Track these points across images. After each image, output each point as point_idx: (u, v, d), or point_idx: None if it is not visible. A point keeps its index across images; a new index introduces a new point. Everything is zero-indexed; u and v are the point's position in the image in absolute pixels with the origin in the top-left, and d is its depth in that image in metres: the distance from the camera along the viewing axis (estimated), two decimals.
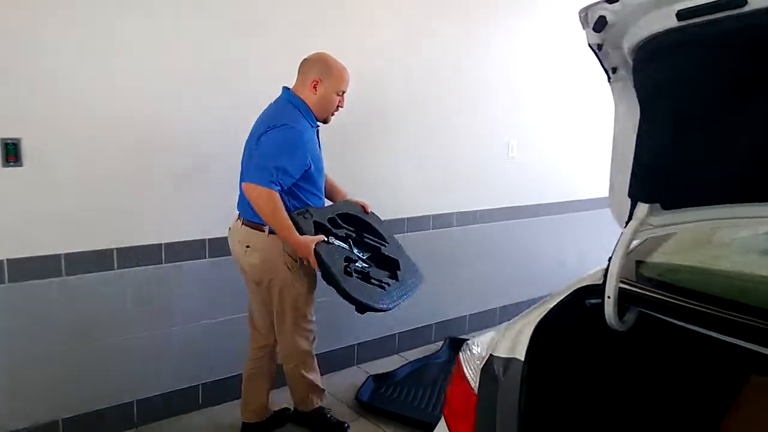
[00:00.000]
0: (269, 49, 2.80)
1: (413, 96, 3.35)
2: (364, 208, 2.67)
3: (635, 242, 1.61)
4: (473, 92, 3.61)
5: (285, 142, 2.26)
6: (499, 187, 3.88)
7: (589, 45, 1.34)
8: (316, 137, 2.46)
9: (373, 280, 2.43)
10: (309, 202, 2.40)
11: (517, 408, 1.25)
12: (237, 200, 2.46)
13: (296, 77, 2.42)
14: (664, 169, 1.38)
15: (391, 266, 2.57)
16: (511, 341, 1.36)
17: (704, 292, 1.38)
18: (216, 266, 2.79)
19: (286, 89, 2.43)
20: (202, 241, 2.76)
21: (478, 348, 1.42)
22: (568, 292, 1.49)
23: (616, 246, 1.44)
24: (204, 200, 2.73)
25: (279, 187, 2.23)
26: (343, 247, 2.45)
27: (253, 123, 2.40)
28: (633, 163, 1.42)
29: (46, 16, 2.28)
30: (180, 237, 2.70)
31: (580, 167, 4.36)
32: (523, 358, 1.31)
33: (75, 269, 2.46)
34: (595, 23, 1.25)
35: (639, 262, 1.57)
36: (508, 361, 1.32)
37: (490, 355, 1.35)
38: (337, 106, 2.43)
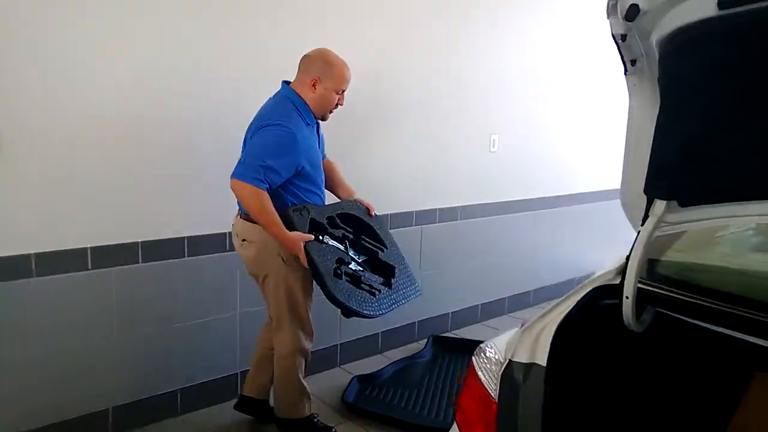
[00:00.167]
0: (272, 43, 2.73)
1: (396, 93, 3.28)
2: (368, 210, 2.59)
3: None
4: (457, 89, 3.57)
5: (274, 141, 2.20)
6: (482, 183, 3.84)
7: (612, 35, 1.28)
8: (315, 134, 2.40)
9: (363, 285, 2.35)
10: (306, 200, 2.34)
11: (541, 415, 1.20)
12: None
13: (296, 73, 2.35)
14: (685, 165, 1.34)
15: (386, 272, 2.49)
16: (531, 345, 1.30)
17: (722, 291, 1.35)
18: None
19: (285, 85, 2.37)
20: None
21: (494, 352, 1.36)
22: (584, 293, 1.44)
23: (633, 245, 1.40)
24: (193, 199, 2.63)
25: (266, 185, 2.18)
26: (336, 248, 2.37)
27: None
28: (650, 159, 1.38)
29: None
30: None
31: (564, 163, 4.38)
32: (544, 363, 1.26)
33: (45, 269, 2.32)
34: (627, 12, 1.19)
35: (652, 261, 1.53)
36: (529, 367, 1.27)
37: (510, 360, 1.28)
38: (337, 104, 2.37)
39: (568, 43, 4.21)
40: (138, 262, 2.53)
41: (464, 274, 3.85)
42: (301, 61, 2.36)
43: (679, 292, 1.38)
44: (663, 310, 1.40)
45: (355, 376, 3.07)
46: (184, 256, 2.65)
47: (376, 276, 2.46)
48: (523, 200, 4.13)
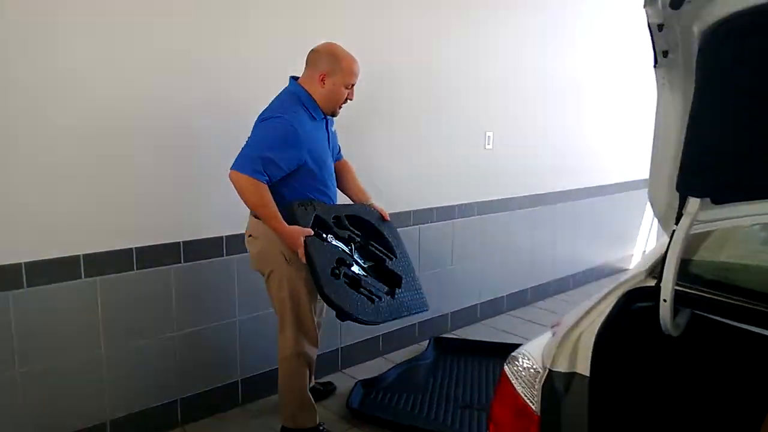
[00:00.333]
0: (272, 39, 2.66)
1: (389, 90, 3.21)
2: (382, 216, 2.52)
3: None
4: (451, 85, 3.51)
5: (274, 134, 2.17)
6: (478, 180, 3.79)
7: (648, 25, 1.23)
8: (323, 130, 2.34)
9: (362, 290, 2.27)
10: (311, 196, 2.28)
11: (587, 425, 1.14)
12: None
13: (304, 68, 2.30)
14: (721, 162, 1.28)
15: (392, 281, 2.40)
16: (569, 354, 1.24)
17: (760, 291, 1.31)
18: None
19: (292, 80, 2.32)
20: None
21: (529, 361, 1.30)
22: (615, 297, 1.38)
23: (669, 245, 1.34)
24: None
25: (266, 177, 2.14)
26: (339, 248, 2.30)
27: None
28: (684, 155, 1.32)
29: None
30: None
31: (560, 159, 4.36)
32: (585, 372, 1.20)
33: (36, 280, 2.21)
34: (672, 0, 1.14)
35: (684, 261, 1.48)
36: (570, 376, 1.21)
37: (549, 369, 1.22)
38: (346, 99, 2.32)
39: (563, 39, 4.18)
40: (133, 269, 2.43)
41: (462, 274, 3.80)
42: (308, 56, 2.31)
43: (717, 293, 1.33)
44: (701, 313, 1.35)
45: (359, 381, 3.00)
46: (181, 262, 2.55)
47: (380, 283, 2.37)
48: (519, 197, 4.09)
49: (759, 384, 1.54)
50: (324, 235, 2.27)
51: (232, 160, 2.17)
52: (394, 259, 2.46)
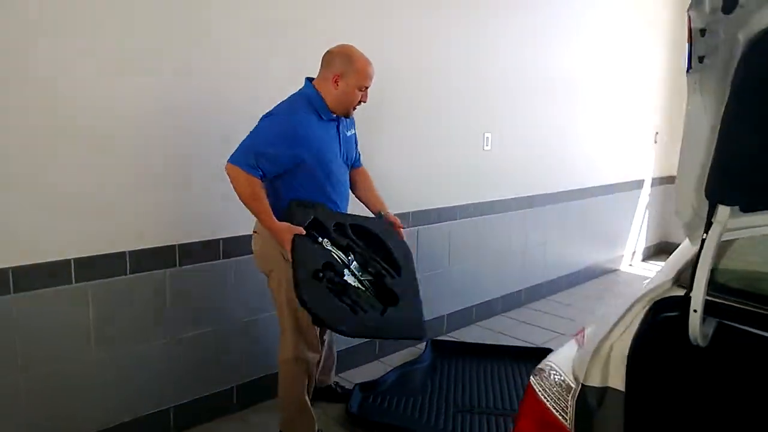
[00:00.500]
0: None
1: (388, 91, 3.12)
2: (394, 226, 2.46)
3: (694, 249, 1.50)
4: (450, 87, 3.46)
5: (272, 130, 2.18)
6: (477, 181, 3.76)
7: (690, 29, 1.19)
8: (333, 132, 2.32)
9: (346, 298, 2.14)
10: (313, 198, 2.24)
11: None
12: None
13: (319, 69, 2.28)
14: (755, 169, 1.25)
15: (388, 300, 2.24)
16: (602, 368, 1.20)
17: None
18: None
19: (307, 81, 2.31)
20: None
21: (558, 374, 1.25)
22: (641, 307, 1.35)
23: (700, 254, 1.31)
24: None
25: (259, 172, 2.14)
26: (332, 253, 2.21)
27: None
28: (715, 162, 1.29)
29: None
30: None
31: (558, 160, 4.35)
32: (619, 387, 1.16)
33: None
34: (725, 4, 1.10)
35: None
36: (602, 391, 1.17)
37: (583, 385, 1.18)
38: (360, 101, 2.29)
39: (562, 41, 4.17)
40: (126, 274, 2.34)
41: (459, 275, 3.76)
42: (323, 57, 2.29)
43: (746, 302, 1.30)
44: (730, 323, 1.32)
45: (357, 385, 2.94)
46: (176, 265, 2.47)
47: (374, 299, 2.22)
48: (515, 198, 4.06)
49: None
50: (319, 239, 2.20)
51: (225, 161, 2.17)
52: (397, 278, 2.30)
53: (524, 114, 4.00)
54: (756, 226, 1.36)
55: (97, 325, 2.28)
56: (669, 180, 5.67)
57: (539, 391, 1.26)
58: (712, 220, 1.33)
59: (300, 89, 2.30)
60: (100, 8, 2.16)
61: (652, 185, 5.49)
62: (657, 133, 5.43)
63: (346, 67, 2.22)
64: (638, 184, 5.34)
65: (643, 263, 5.57)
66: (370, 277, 2.28)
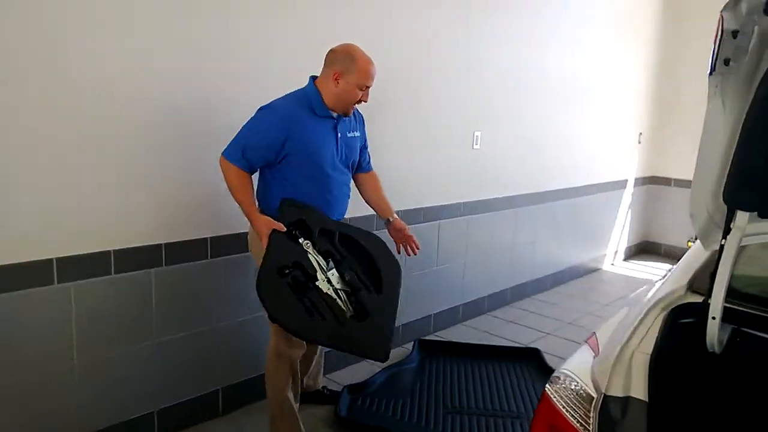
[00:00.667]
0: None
1: (376, 89, 3.02)
2: (402, 232, 2.47)
3: (706, 254, 1.48)
4: (439, 85, 3.42)
5: (259, 121, 2.20)
6: (465, 180, 3.72)
7: (722, 31, 1.15)
8: (330, 130, 2.29)
9: (306, 299, 2.05)
10: (296, 195, 2.22)
11: None
12: None
13: (322, 67, 2.26)
14: None
15: (358, 314, 2.14)
16: (624, 377, 1.16)
17: None
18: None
19: (310, 79, 2.29)
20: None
21: (575, 383, 1.22)
22: (658, 315, 1.32)
23: (719, 261, 1.28)
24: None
25: (246, 164, 2.18)
26: (308, 254, 2.15)
27: None
28: (735, 167, 1.26)
29: None
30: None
31: (547, 160, 4.34)
32: (642, 397, 1.12)
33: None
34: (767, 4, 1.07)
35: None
36: (625, 401, 1.13)
37: (605, 395, 1.14)
38: (360, 100, 2.27)
39: (551, 40, 4.15)
40: (111, 273, 2.25)
41: (446, 274, 3.73)
42: (326, 55, 2.28)
43: (764, 309, 1.28)
44: (747, 330, 1.30)
45: (346, 387, 2.89)
46: (163, 265, 2.38)
47: (339, 306, 2.11)
48: (504, 197, 4.04)
49: None
50: (299, 238, 2.16)
51: (216, 158, 2.19)
52: (374, 294, 2.19)
53: (513, 114, 3.98)
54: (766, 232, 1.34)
55: (81, 327, 2.19)
56: (651, 180, 5.72)
57: (555, 398, 1.22)
58: (731, 225, 1.30)
59: (303, 87, 2.28)
60: (100, 8, 2.09)
61: (635, 185, 5.53)
62: (641, 133, 5.47)
63: (347, 65, 2.21)
64: (622, 184, 5.37)
65: (625, 262, 5.61)
66: (347, 288, 2.18)
